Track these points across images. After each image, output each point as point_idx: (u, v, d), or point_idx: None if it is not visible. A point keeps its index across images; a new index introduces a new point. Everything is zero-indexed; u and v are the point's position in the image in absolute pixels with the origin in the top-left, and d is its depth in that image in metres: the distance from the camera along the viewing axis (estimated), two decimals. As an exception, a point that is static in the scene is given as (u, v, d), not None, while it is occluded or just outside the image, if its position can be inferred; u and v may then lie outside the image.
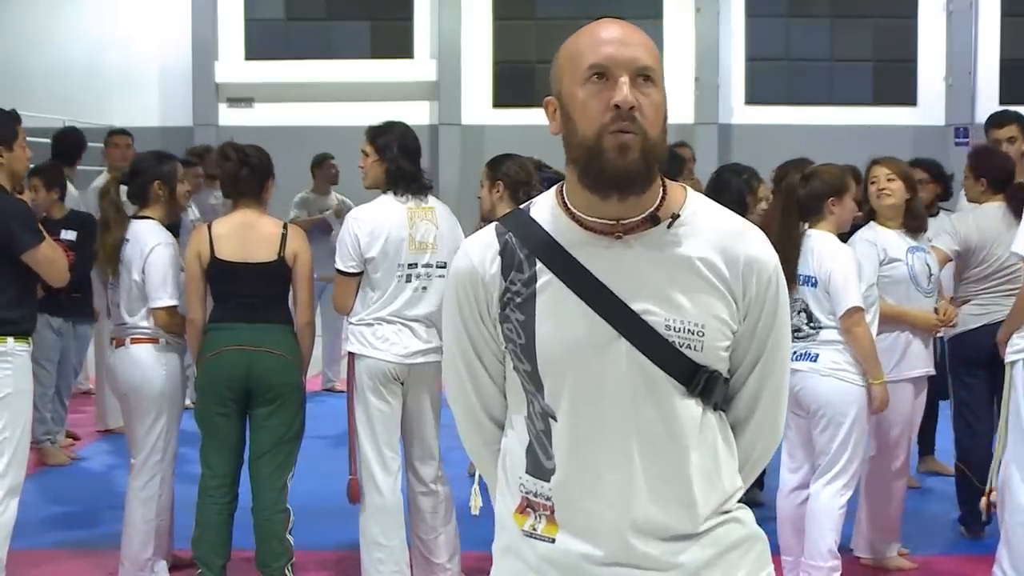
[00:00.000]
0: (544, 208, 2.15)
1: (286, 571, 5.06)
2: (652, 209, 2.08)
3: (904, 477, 5.64)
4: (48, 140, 8.54)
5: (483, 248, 2.17)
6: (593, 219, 2.08)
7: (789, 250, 5.05)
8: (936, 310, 5.59)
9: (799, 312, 5.09)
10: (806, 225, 5.19)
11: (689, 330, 2.06)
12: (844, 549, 5.36)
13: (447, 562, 5.20)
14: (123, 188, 5.40)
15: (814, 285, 5.06)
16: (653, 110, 2.02)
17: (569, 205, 2.11)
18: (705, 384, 2.09)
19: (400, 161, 5.08)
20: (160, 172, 5.33)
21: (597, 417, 2.08)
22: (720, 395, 2.13)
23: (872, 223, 5.49)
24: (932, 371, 5.62)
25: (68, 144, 8.45)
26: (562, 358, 2.08)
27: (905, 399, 5.42)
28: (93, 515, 6.49)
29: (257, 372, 4.99)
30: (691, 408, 2.09)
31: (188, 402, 6.48)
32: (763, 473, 5.60)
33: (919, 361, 5.50)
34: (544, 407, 2.12)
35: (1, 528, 4.84)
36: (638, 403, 2.07)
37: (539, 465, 2.14)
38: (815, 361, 5.03)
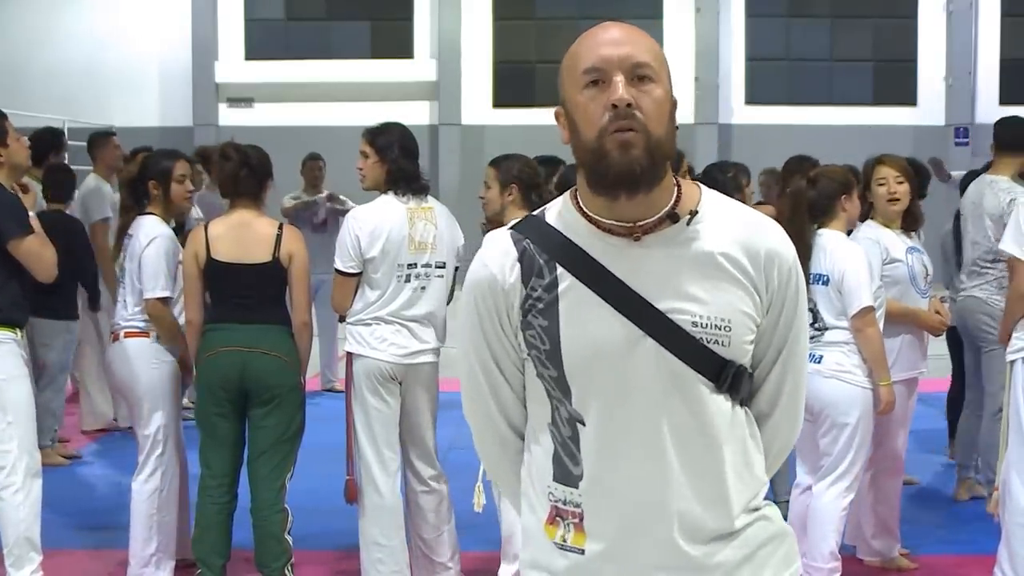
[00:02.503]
0: (559, 213, 2.14)
1: (285, 571, 5.06)
2: (669, 208, 2.07)
3: (900, 476, 5.65)
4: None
5: (501, 256, 2.14)
6: (610, 221, 2.07)
7: (801, 253, 5.02)
8: (937, 311, 5.60)
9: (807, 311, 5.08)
10: (815, 226, 5.18)
11: (716, 326, 2.05)
12: (845, 550, 5.36)
13: (448, 561, 5.20)
14: None
15: (825, 283, 5.04)
16: (654, 107, 2.01)
17: (584, 209, 2.10)
18: (733, 379, 2.08)
19: (401, 161, 5.08)
20: (155, 171, 5.34)
21: (627, 418, 2.07)
22: (747, 390, 2.12)
23: (870, 222, 5.48)
24: (925, 371, 5.62)
25: (43, 143, 8.45)
26: (589, 361, 2.06)
27: (902, 399, 5.42)
28: (92, 515, 6.49)
29: (252, 373, 4.99)
30: (721, 404, 2.08)
31: (187, 401, 6.50)
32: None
33: (913, 363, 5.51)
34: (571, 412, 2.10)
35: (30, 508, 4.99)
36: (668, 401, 2.06)
37: (567, 472, 2.12)
38: (819, 362, 5.02)
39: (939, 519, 6.50)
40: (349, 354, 5.13)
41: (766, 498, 2.21)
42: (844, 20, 20.20)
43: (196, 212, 8.89)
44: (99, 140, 8.83)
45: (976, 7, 19.73)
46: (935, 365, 9.15)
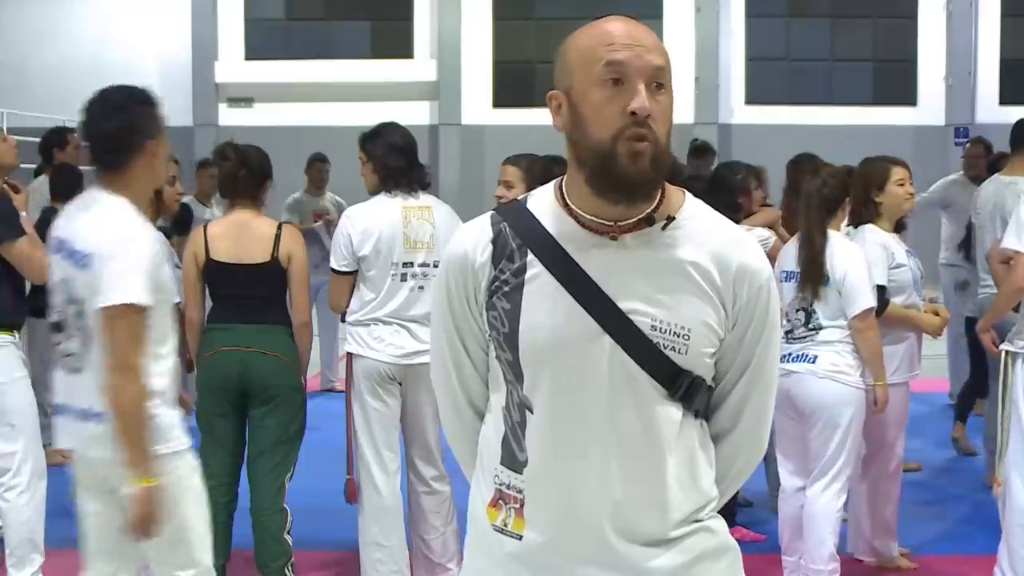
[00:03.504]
0: (542, 201, 2.16)
1: (285, 571, 5.06)
2: (649, 211, 2.08)
3: (899, 477, 5.66)
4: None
5: (476, 235, 2.17)
6: (591, 217, 2.08)
7: (818, 252, 5.01)
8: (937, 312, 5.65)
9: (797, 311, 5.08)
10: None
11: (675, 332, 2.05)
12: (841, 551, 5.36)
13: (448, 562, 5.20)
14: None
15: (825, 284, 5.03)
16: (664, 116, 2.03)
17: (568, 201, 2.11)
18: (687, 389, 2.08)
19: (387, 159, 5.07)
20: None
21: (574, 412, 2.08)
22: (702, 402, 2.12)
23: (872, 226, 5.45)
24: (919, 372, 5.65)
25: (46, 144, 8.43)
26: (544, 349, 2.08)
27: (902, 401, 5.44)
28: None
29: (252, 373, 4.99)
30: (671, 412, 2.09)
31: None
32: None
33: (911, 365, 5.54)
34: (522, 398, 2.12)
35: (34, 509, 5.00)
36: (617, 401, 2.07)
37: (513, 457, 2.14)
38: (813, 363, 5.02)
39: (939, 519, 6.50)
40: (349, 354, 5.13)
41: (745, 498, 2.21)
42: (844, 20, 20.20)
43: (212, 213, 8.90)
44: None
45: (976, 7, 19.73)
46: (934, 365, 9.21)
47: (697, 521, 2.14)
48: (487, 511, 2.19)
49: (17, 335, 5.06)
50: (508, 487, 2.15)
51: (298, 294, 5.10)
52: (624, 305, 2.05)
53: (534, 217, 2.13)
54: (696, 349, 2.07)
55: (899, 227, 5.58)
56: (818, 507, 5.03)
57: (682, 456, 2.11)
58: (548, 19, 19.93)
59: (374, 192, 5.16)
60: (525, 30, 20.22)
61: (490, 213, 2.20)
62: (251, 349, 4.99)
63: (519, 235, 2.12)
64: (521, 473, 2.13)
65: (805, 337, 5.04)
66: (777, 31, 20.27)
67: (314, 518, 5.92)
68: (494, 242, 2.14)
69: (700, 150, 9.49)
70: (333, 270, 5.13)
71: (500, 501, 2.17)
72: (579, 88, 2.04)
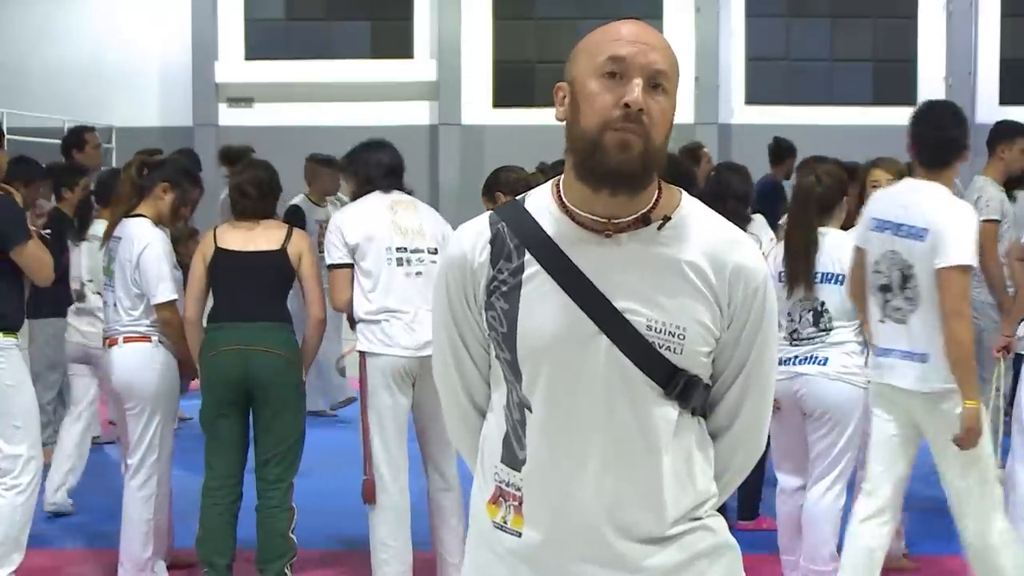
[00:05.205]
0: (539, 200, 2.17)
1: (285, 571, 5.05)
2: (645, 210, 2.09)
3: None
4: (47, 140, 8.54)
5: (475, 236, 2.19)
6: (585, 215, 2.09)
7: (810, 251, 4.99)
8: None
9: (806, 311, 5.04)
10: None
11: (670, 332, 2.07)
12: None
13: (460, 562, 5.19)
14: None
15: (839, 283, 5.00)
16: (660, 116, 2.04)
17: (564, 199, 2.12)
18: (683, 388, 2.10)
19: (369, 165, 5.24)
20: (178, 182, 5.33)
21: (571, 411, 2.10)
22: (699, 400, 2.13)
23: None
24: None
25: (66, 144, 8.44)
26: (541, 349, 2.10)
27: None
28: (93, 515, 6.49)
29: (255, 372, 4.99)
30: (667, 411, 2.10)
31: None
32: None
33: None
34: (521, 397, 2.14)
35: (28, 511, 5.05)
36: (614, 401, 2.08)
37: (513, 455, 2.16)
38: (824, 364, 5.00)
39: (939, 519, 6.49)
40: (361, 353, 5.12)
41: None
42: (844, 20, 20.18)
43: (329, 213, 8.93)
44: (186, 154, 8.83)
45: (976, 7, 19.71)
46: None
47: (696, 519, 2.15)
48: (487, 507, 2.20)
49: (17, 337, 5.07)
50: (508, 484, 2.17)
51: (312, 291, 5.12)
52: (620, 304, 2.07)
53: (531, 216, 2.14)
54: (691, 348, 2.08)
55: None
56: (821, 506, 5.03)
57: (679, 454, 2.12)
58: (548, 19, 19.92)
59: (357, 195, 5.30)
60: (525, 30, 20.20)
61: (489, 213, 2.22)
62: (254, 347, 4.99)
63: (517, 235, 2.13)
64: (520, 471, 2.14)
65: (814, 338, 5.01)
66: (777, 31, 20.25)
67: (314, 517, 5.92)
68: (492, 242, 2.15)
69: (689, 152, 9.46)
70: (330, 267, 5.16)
71: (500, 498, 2.18)
72: (580, 78, 2.07)
